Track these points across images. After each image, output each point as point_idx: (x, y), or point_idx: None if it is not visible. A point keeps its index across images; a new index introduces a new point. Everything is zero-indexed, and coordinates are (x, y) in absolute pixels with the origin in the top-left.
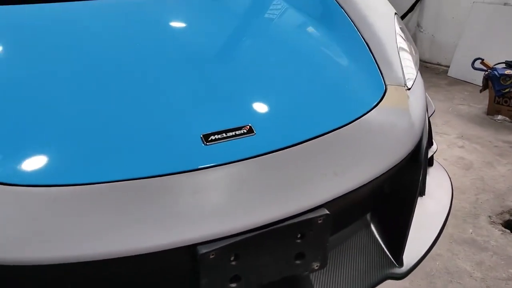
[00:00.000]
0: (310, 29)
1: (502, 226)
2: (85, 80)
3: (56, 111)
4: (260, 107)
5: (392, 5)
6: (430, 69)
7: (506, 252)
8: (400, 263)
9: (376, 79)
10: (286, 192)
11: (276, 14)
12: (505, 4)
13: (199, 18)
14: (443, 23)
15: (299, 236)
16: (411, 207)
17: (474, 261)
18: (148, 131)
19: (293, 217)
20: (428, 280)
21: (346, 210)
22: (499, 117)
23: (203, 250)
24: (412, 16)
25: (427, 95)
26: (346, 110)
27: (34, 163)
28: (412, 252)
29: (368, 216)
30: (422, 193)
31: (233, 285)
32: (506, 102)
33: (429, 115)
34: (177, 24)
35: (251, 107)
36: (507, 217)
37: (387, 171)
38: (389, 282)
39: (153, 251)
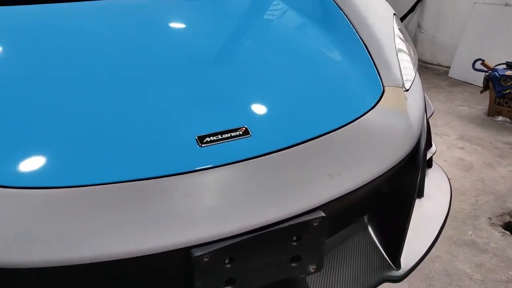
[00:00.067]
0: (308, 30)
1: (502, 228)
2: (82, 82)
3: (52, 113)
4: (257, 109)
5: (393, 6)
6: (430, 70)
7: (506, 254)
8: (398, 266)
9: (373, 81)
10: (281, 194)
11: (274, 15)
12: (506, 4)
13: (197, 20)
14: (444, 23)
15: (295, 238)
16: (409, 209)
17: (474, 263)
18: (142, 133)
19: (289, 219)
20: (427, 282)
21: (343, 212)
22: (500, 118)
23: (197, 253)
24: (413, 16)
25: (426, 96)
26: (343, 111)
27: (29, 165)
28: (410, 254)
29: (366, 218)
30: (420, 194)
31: None
32: (506, 103)
33: (428, 117)
34: (174, 26)
35: (248, 109)
36: (507, 218)
37: (384, 173)
38: (387, 284)
39: (147, 253)
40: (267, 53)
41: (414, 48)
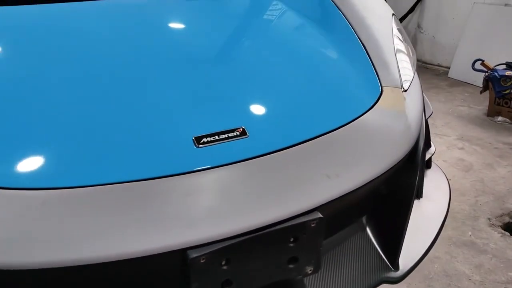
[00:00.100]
0: (307, 30)
1: (502, 228)
2: (80, 82)
3: (51, 113)
4: (254, 109)
5: (392, 6)
6: (430, 70)
7: (505, 255)
8: (396, 267)
9: (372, 81)
10: (278, 195)
11: (273, 16)
12: (505, 5)
13: (195, 21)
14: (444, 24)
15: (292, 240)
16: (407, 210)
17: (473, 264)
18: (139, 133)
19: (286, 220)
20: (426, 283)
21: (341, 213)
22: (500, 118)
23: (193, 254)
24: (413, 17)
25: (424, 96)
26: (341, 112)
27: (25, 166)
28: (408, 255)
29: (364, 219)
30: (419, 195)
31: None
32: (506, 103)
33: (426, 117)
34: (173, 26)
35: (245, 109)
36: (506, 219)
37: (382, 174)
38: (385, 286)
39: (143, 255)
40: (265, 54)
41: (413, 48)
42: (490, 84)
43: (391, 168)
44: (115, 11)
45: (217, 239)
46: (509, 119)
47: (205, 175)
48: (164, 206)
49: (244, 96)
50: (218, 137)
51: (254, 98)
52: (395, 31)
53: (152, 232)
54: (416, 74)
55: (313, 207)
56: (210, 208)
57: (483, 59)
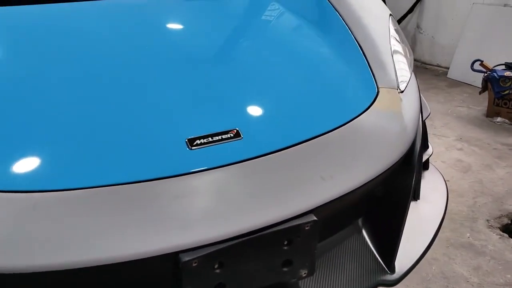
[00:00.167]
0: (303, 31)
1: (500, 230)
2: (74, 83)
3: (43, 114)
4: (249, 111)
5: (392, 6)
6: (430, 70)
7: (503, 257)
8: (392, 270)
9: (368, 82)
10: (272, 198)
11: (269, 17)
12: (505, 5)
13: (192, 22)
14: (443, 24)
15: (286, 243)
16: (403, 212)
17: (471, 266)
18: (131, 135)
19: (280, 223)
20: (424, 285)
21: (336, 216)
22: (499, 119)
23: (185, 257)
24: (412, 17)
25: (422, 97)
26: (336, 113)
27: (15, 168)
28: (405, 258)
29: (360, 221)
30: (416, 197)
31: None
32: (505, 104)
33: (424, 118)
34: (170, 27)
35: (240, 111)
36: (505, 221)
37: (378, 176)
38: None
39: (135, 258)
40: (261, 55)
41: (410, 49)
42: (489, 84)
43: (387, 170)
44: (114, 11)
45: (210, 242)
46: (508, 119)
47: (198, 177)
48: (156, 209)
49: (239, 97)
50: (212, 138)
51: (250, 99)
52: (392, 32)
53: (144, 235)
54: (413, 74)
55: (307, 210)
56: (202, 211)
57: (482, 59)
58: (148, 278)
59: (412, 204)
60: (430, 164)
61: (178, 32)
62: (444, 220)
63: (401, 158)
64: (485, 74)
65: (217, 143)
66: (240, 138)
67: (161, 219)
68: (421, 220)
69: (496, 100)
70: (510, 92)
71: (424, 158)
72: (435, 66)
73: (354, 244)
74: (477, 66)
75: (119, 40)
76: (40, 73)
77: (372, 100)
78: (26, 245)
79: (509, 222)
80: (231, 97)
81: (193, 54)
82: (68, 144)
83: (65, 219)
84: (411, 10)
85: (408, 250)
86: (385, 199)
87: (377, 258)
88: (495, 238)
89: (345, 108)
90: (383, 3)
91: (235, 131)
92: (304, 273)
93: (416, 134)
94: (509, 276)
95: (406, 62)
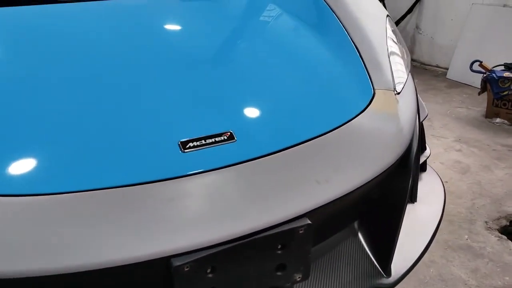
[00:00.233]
0: (300, 33)
1: (499, 232)
2: (65, 86)
3: (28, 117)
4: (243, 113)
5: (391, 7)
6: (429, 71)
7: (502, 259)
8: (388, 273)
9: (364, 84)
10: (265, 201)
11: (266, 19)
12: (504, 5)
13: (188, 24)
14: (442, 25)
15: (279, 247)
16: (399, 215)
17: (469, 268)
18: (123, 138)
19: (273, 227)
20: (421, 287)
21: (331, 219)
22: (498, 120)
23: (177, 262)
24: (411, 18)
25: (420, 98)
26: (332, 115)
27: (5, 171)
28: (401, 261)
29: (356, 224)
30: (413, 199)
31: None
32: (504, 105)
33: (421, 120)
34: (165, 29)
35: (234, 113)
36: (504, 222)
37: (374, 178)
38: None
39: (125, 263)
40: (257, 57)
41: (407, 50)
42: (488, 85)
43: (383, 172)
44: (112, 12)
45: (202, 246)
46: (507, 120)
47: (190, 180)
48: (147, 212)
49: (234, 99)
50: (205, 141)
51: (244, 101)
52: (389, 33)
53: (135, 239)
54: (410, 76)
55: (301, 213)
56: (195, 214)
57: (481, 60)
58: (139, 283)
59: (409, 206)
60: (427, 166)
61: (174, 33)
62: (442, 222)
63: (398, 160)
64: (484, 75)
65: (210, 146)
66: (234, 140)
67: (152, 223)
68: (418, 223)
69: (495, 101)
70: (509, 93)
71: (422, 160)
72: (434, 66)
73: (350, 247)
74: (476, 66)
75: (114, 41)
76: (34, 74)
77: (368, 102)
78: (15, 250)
79: (508, 224)
80: (226, 99)
81: (188, 56)
82: (59, 146)
83: (55, 224)
84: (410, 10)
85: (404, 253)
86: (381, 202)
87: (373, 262)
88: (494, 240)
89: (340, 110)
90: (380, 4)
91: (229, 133)
92: (299, 277)
93: (412, 135)
94: (507, 278)
95: (403, 63)
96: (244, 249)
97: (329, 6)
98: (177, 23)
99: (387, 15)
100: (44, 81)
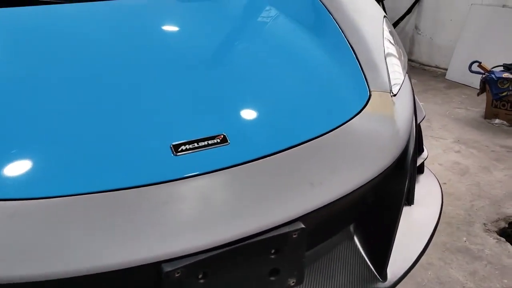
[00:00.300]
0: (295, 34)
1: (497, 234)
2: (57, 88)
3: (17, 120)
4: (237, 115)
5: (390, 7)
6: (428, 71)
7: (500, 262)
8: (384, 277)
9: (360, 85)
10: (259, 205)
11: (262, 20)
12: (503, 6)
13: (185, 25)
14: (441, 25)
15: (273, 251)
16: (396, 218)
17: (467, 271)
18: (114, 141)
19: (267, 231)
20: None
21: (326, 223)
22: (497, 121)
23: (168, 268)
24: (410, 18)
25: (417, 100)
26: (327, 117)
27: None
28: (397, 264)
29: (352, 227)
30: (410, 202)
31: None
32: (503, 105)
33: (418, 121)
34: (162, 30)
35: (228, 115)
36: (502, 224)
37: (370, 181)
38: None
39: (115, 269)
40: (251, 59)
41: (404, 51)
42: (487, 86)
43: (378, 174)
44: (111, 13)
45: (194, 251)
46: (506, 121)
47: (181, 184)
48: (138, 217)
49: (228, 101)
50: (197, 144)
51: (238, 103)
52: (386, 34)
53: (124, 244)
54: (407, 77)
55: (295, 217)
56: (186, 219)
57: (480, 61)
58: None
59: (406, 209)
60: (425, 168)
61: (171, 35)
62: (441, 224)
63: (394, 162)
64: (483, 76)
65: (202, 149)
66: (227, 143)
67: (142, 227)
68: (415, 225)
69: (494, 101)
70: (508, 93)
71: (419, 162)
72: (434, 67)
73: (345, 251)
74: (475, 67)
75: (113, 42)
76: (26, 76)
77: (363, 104)
78: (3, 255)
79: (506, 226)
80: (221, 101)
81: (184, 58)
82: (48, 150)
83: (43, 228)
84: (409, 11)
85: (401, 256)
86: (377, 205)
87: (368, 265)
88: (492, 242)
89: (335, 112)
90: (377, 4)
91: (222, 136)
92: (293, 282)
93: (409, 137)
94: (505, 281)
95: (399, 65)
96: (237, 254)
97: (326, 7)
98: (175, 24)
99: (384, 16)
100: (38, 82)
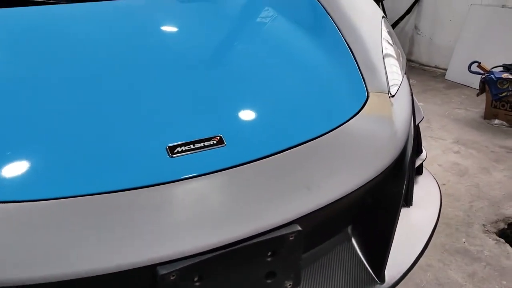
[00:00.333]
0: (293, 35)
1: (496, 235)
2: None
3: (10, 121)
4: (234, 117)
5: (390, 7)
6: (428, 72)
7: (499, 263)
8: (382, 279)
9: (358, 86)
10: (255, 207)
11: (259, 21)
12: (503, 6)
13: (184, 26)
14: (441, 25)
15: (269, 254)
16: (394, 219)
17: (466, 272)
18: (109, 142)
19: (263, 233)
20: None
21: (323, 225)
22: (496, 121)
23: (163, 271)
24: (410, 18)
25: (416, 101)
26: (324, 118)
27: None
28: (395, 266)
29: (350, 229)
30: (409, 203)
31: None
32: (503, 106)
33: (417, 122)
34: (161, 31)
35: (224, 117)
36: (501, 225)
37: (367, 182)
38: None
39: (109, 272)
40: (248, 60)
41: (403, 51)
42: (486, 86)
43: (376, 176)
44: (111, 13)
45: (189, 254)
46: (505, 122)
47: (177, 186)
48: (133, 219)
49: (224, 102)
50: (193, 146)
51: (235, 104)
52: (384, 34)
53: (119, 247)
54: (405, 78)
55: (292, 219)
56: (181, 221)
57: (479, 61)
58: None
59: (405, 211)
60: (424, 169)
61: (170, 35)
62: (440, 225)
63: (392, 163)
64: (483, 76)
65: (199, 151)
66: (224, 145)
67: (137, 230)
68: (413, 227)
69: (494, 102)
70: (508, 94)
71: (418, 163)
72: (433, 67)
73: (343, 253)
74: (474, 67)
75: (112, 42)
76: (25, 77)
77: (361, 105)
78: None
79: (506, 227)
80: (217, 102)
81: (181, 59)
82: (40, 151)
83: (36, 231)
84: (409, 11)
85: (399, 258)
86: (375, 206)
87: (366, 267)
88: (491, 244)
89: (333, 114)
90: (375, 4)
91: (218, 137)
92: (289, 285)
93: (407, 138)
94: (505, 282)
95: (398, 65)
96: (233, 257)
97: (324, 8)
98: (174, 24)
99: (383, 16)
100: (36, 83)
